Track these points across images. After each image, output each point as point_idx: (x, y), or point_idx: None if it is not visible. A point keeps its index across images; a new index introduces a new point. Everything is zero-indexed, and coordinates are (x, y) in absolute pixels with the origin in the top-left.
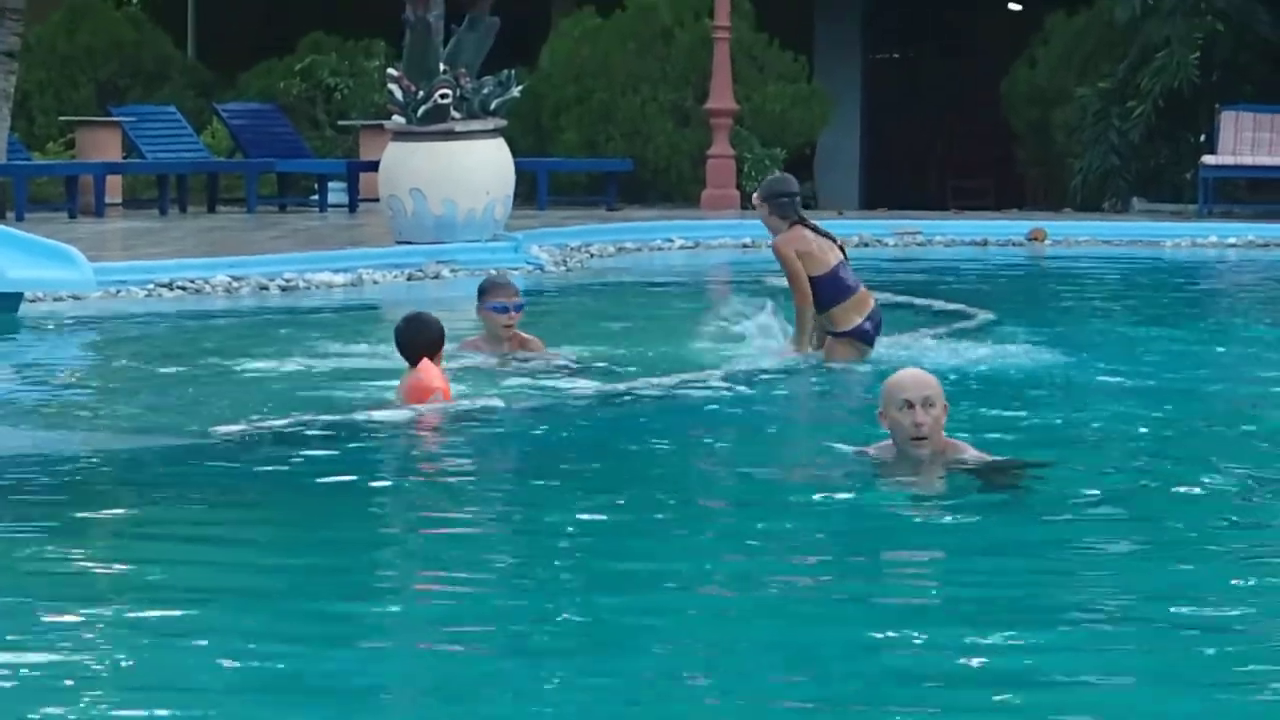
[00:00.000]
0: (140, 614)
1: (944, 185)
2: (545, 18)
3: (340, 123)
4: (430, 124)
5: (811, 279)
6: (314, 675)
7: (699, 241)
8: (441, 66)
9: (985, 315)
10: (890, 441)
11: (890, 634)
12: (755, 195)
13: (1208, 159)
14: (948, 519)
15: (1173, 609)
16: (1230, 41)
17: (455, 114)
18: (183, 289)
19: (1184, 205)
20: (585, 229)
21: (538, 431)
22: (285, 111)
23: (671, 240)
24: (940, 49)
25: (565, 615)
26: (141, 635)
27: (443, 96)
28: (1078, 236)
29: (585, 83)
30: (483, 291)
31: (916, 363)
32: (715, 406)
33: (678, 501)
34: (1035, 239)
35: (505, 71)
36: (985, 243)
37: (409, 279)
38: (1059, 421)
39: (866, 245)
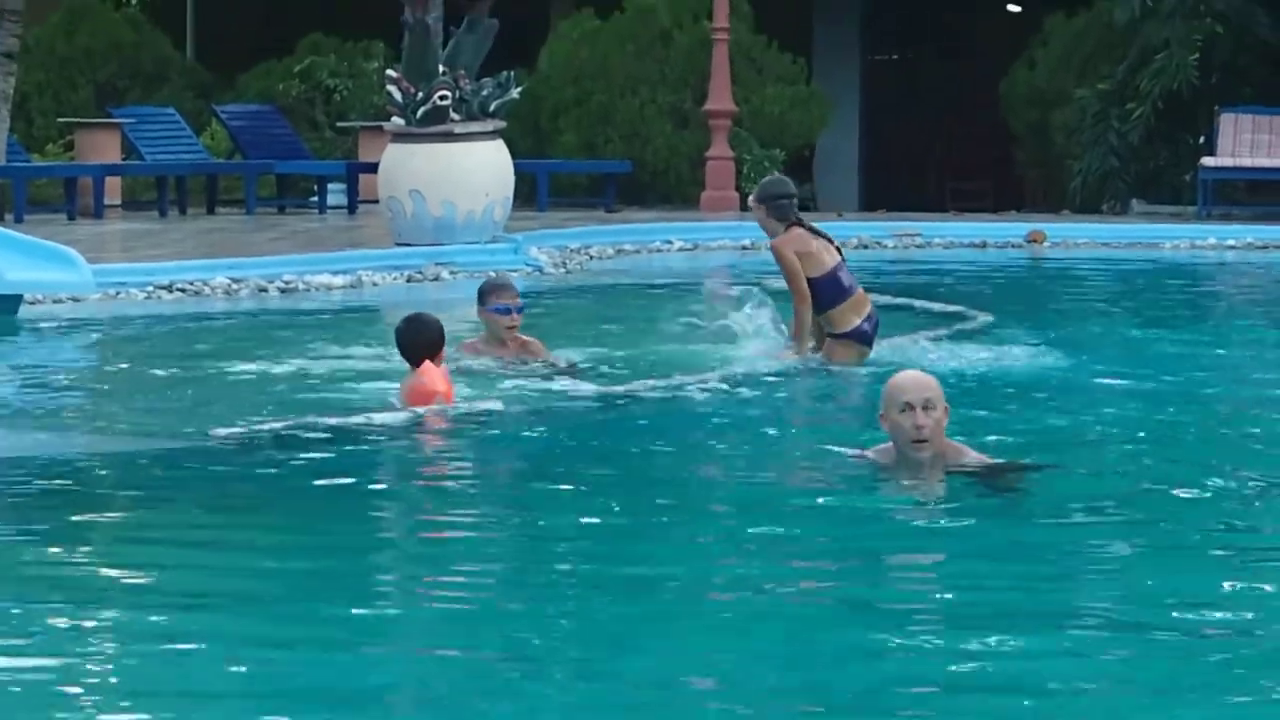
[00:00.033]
0: (137, 617)
1: (943, 187)
2: (544, 20)
3: (339, 124)
4: (429, 126)
5: (810, 280)
6: (312, 679)
7: (698, 243)
8: (440, 68)
9: (984, 317)
10: (891, 444)
11: (890, 638)
12: (751, 197)
13: (1207, 161)
14: (948, 522)
15: (1173, 613)
16: (1229, 43)
17: (454, 116)
18: (182, 291)
19: (1183, 207)
20: (584, 231)
21: (537, 434)
22: (284, 113)
23: (670, 242)
24: (939, 51)
25: (564, 619)
26: (138, 638)
27: (442, 98)
28: (1076, 238)
29: (584, 85)
30: (484, 293)
31: (916, 365)
32: (715, 409)
33: (677, 504)
34: (1034, 241)
35: (504, 73)
36: (984, 244)
37: (408, 281)
38: (1058, 424)
39: (865, 247)
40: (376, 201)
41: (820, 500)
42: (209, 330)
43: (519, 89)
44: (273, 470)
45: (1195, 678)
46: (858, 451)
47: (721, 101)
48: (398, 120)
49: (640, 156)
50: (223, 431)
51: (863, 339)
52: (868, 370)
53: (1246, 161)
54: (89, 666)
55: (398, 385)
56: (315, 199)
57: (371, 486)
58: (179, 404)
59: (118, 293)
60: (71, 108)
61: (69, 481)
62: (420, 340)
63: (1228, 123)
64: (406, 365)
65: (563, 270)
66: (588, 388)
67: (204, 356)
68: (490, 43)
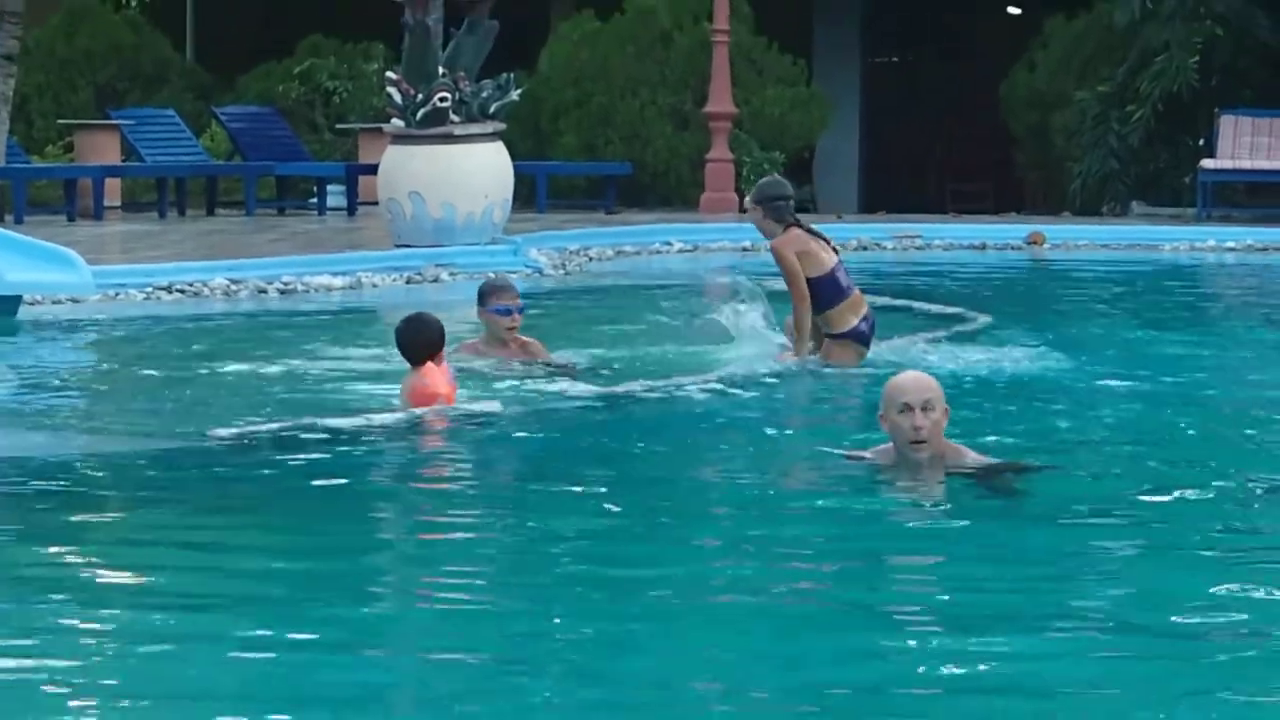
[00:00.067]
0: (136, 617)
1: (943, 189)
2: (544, 21)
3: (339, 126)
4: (429, 127)
5: (810, 280)
6: (312, 679)
7: (698, 245)
8: (440, 70)
9: (984, 319)
10: (890, 445)
11: (890, 638)
12: (748, 198)
13: (1206, 163)
14: (947, 523)
15: (1173, 614)
16: (1229, 46)
17: (454, 117)
18: (181, 292)
19: (1183, 209)
20: (584, 232)
21: (537, 434)
22: (284, 114)
23: (670, 244)
24: (939, 52)
25: (563, 619)
26: (137, 639)
27: (441, 100)
28: (1076, 240)
29: (584, 86)
30: (484, 294)
31: (915, 366)
32: (714, 409)
33: (677, 505)
34: (1034, 242)
35: (504, 75)
36: (984, 246)
37: (408, 282)
38: (1058, 425)
39: (865, 249)
40: (376, 203)
41: (819, 501)
42: (208, 331)
43: (519, 91)
44: (271, 471)
45: (1195, 678)
46: (857, 452)
47: (721, 103)
48: (397, 122)
49: (640, 158)
50: (222, 432)
51: (860, 339)
52: (866, 371)
53: (1246, 164)
54: (88, 666)
55: (397, 386)
56: (315, 201)
57: (370, 487)
58: (178, 405)
59: (117, 294)
60: (71, 109)
61: (68, 482)
62: (421, 340)
63: (1227, 125)
64: (407, 366)
65: (562, 272)
66: (587, 388)
67: (203, 357)
68: (490, 44)
